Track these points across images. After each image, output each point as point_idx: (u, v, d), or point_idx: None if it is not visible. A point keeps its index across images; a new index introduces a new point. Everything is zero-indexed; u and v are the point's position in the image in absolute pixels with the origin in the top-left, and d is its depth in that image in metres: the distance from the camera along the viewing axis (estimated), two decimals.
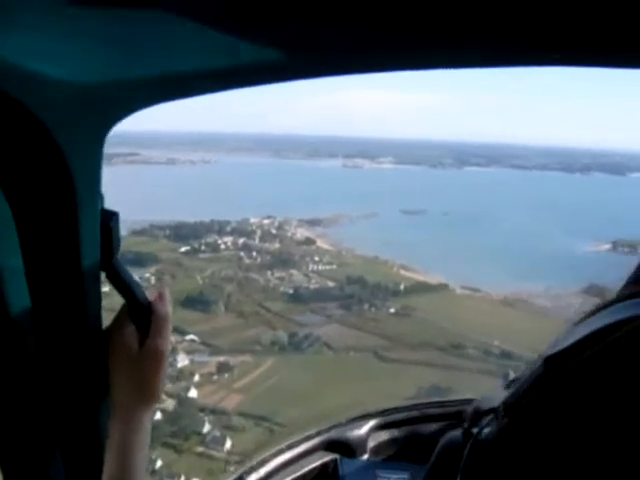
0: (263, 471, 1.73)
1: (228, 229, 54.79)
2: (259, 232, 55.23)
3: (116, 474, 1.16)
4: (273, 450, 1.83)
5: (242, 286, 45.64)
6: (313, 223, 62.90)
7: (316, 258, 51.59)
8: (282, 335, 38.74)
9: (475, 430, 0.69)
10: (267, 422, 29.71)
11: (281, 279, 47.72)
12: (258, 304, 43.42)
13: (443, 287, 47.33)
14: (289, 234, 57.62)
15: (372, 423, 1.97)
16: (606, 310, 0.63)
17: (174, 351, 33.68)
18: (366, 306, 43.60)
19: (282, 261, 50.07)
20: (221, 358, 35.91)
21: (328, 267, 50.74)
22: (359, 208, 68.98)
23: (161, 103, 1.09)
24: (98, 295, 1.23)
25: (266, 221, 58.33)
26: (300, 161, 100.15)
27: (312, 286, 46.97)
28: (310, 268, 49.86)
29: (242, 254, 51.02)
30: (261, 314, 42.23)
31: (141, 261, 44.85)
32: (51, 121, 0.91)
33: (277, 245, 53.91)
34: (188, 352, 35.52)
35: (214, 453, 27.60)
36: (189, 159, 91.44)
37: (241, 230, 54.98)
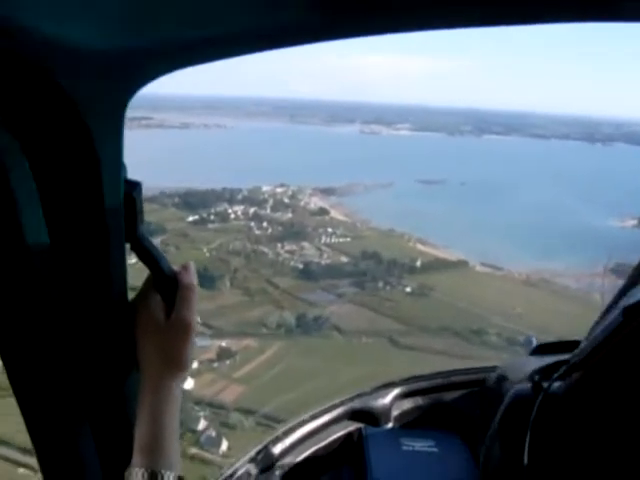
0: (288, 441, 1.72)
1: (239, 197, 51.65)
2: (271, 201, 52.09)
3: (148, 443, 1.12)
4: (298, 420, 1.80)
5: (250, 260, 42.27)
6: (327, 192, 59.45)
7: (329, 230, 48.19)
8: (289, 317, 35.18)
9: (545, 384, 0.68)
10: (268, 420, 26.05)
11: (292, 252, 44.21)
12: (266, 280, 40.08)
13: (462, 264, 43.70)
14: (302, 203, 54.32)
15: (396, 392, 1.91)
16: None
17: None
18: (381, 284, 40.03)
19: (294, 233, 46.59)
20: (223, 342, 32.41)
21: (342, 240, 47.27)
22: (375, 176, 65.47)
23: (182, 69, 1.06)
24: (124, 267, 1.19)
25: (279, 189, 55.18)
26: (317, 127, 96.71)
27: (324, 261, 43.52)
28: (323, 241, 46.45)
29: (252, 224, 48.02)
30: (268, 292, 38.79)
31: (146, 231, 41.72)
32: (72, 88, 0.88)
33: (289, 215, 50.61)
34: None
35: (208, 455, 24.03)
36: (203, 123, 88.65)
37: (252, 199, 51.82)
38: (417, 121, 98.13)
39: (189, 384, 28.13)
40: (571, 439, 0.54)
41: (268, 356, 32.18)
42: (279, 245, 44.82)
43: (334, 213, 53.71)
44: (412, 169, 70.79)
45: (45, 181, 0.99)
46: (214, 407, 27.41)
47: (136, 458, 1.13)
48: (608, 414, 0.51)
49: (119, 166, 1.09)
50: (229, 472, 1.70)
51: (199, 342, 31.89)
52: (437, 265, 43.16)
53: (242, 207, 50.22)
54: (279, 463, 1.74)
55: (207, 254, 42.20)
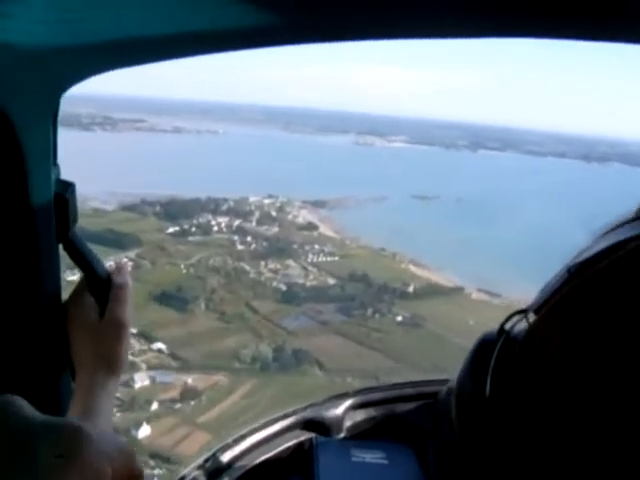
0: (238, 449, 1.65)
1: (224, 208, 47.43)
2: (257, 213, 47.90)
3: None
4: (248, 428, 1.73)
5: (230, 279, 38.01)
6: (317, 205, 55.51)
7: (316, 247, 44.03)
8: (266, 349, 30.72)
9: (507, 327, 0.74)
10: None
11: (275, 272, 39.93)
12: (245, 303, 35.79)
13: (457, 291, 39.52)
14: (290, 217, 50.20)
15: (348, 402, 1.85)
16: (623, 227, 0.69)
17: (133, 367, 26.26)
18: (369, 311, 35.64)
19: (279, 249, 42.34)
20: (189, 378, 27.82)
21: (329, 259, 43.07)
22: (368, 190, 61.26)
23: (114, 70, 1.03)
24: (56, 267, 1.16)
25: (267, 201, 51.15)
26: (310, 136, 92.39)
27: (309, 282, 39.29)
28: (309, 259, 42.30)
29: (235, 238, 43.71)
30: (246, 317, 34.37)
31: (121, 242, 37.79)
32: None
33: (276, 229, 46.40)
34: (151, 367, 28.11)
35: None
36: (195, 128, 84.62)
37: (238, 210, 47.63)
38: (412, 133, 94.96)
39: (144, 431, 23.64)
40: (525, 377, 0.63)
41: (239, 396, 27.72)
42: (262, 263, 40.68)
43: (323, 228, 49.56)
44: (406, 183, 66.84)
45: None
46: (172, 463, 22.65)
47: None
48: (554, 356, 0.60)
49: (49, 166, 1.04)
50: (177, 478, 1.56)
51: (161, 378, 27.57)
52: (431, 291, 38.96)
53: (226, 219, 46.15)
54: (228, 471, 1.62)
55: (184, 270, 38.16)
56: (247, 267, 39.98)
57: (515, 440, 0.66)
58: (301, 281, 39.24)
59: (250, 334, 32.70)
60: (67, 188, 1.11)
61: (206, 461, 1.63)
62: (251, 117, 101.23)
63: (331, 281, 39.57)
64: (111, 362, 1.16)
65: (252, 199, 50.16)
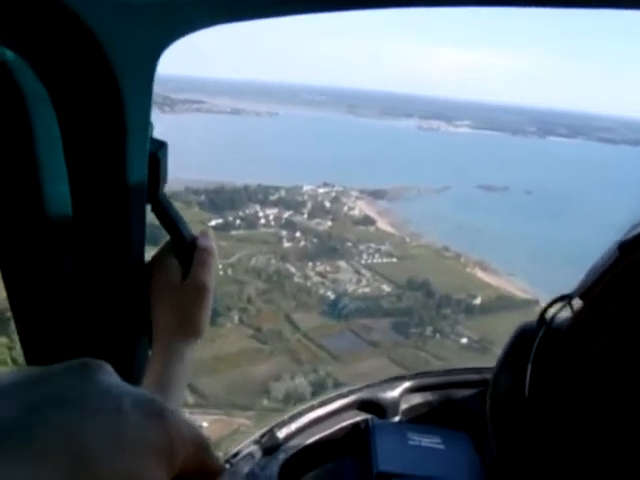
0: (294, 426, 1.59)
1: (274, 198, 41.45)
2: (309, 205, 41.72)
3: None
4: (305, 406, 1.66)
5: (271, 284, 31.60)
6: (376, 195, 48.86)
7: (372, 245, 37.51)
8: (302, 385, 23.93)
9: (548, 316, 0.69)
10: None
11: (323, 275, 33.55)
12: (285, 316, 29.21)
13: (532, 305, 32.13)
14: (345, 209, 43.71)
15: (405, 385, 1.77)
16: None
17: None
18: (429, 330, 28.84)
19: (330, 249, 35.98)
20: (206, 421, 21.47)
21: (386, 260, 36.57)
22: (430, 178, 54.07)
23: (222, 24, 0.96)
24: (142, 227, 1.09)
25: (321, 190, 44.85)
26: (374, 119, 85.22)
27: (361, 289, 32.83)
28: (363, 261, 35.69)
29: (283, 234, 37.81)
30: (284, 336, 27.84)
31: (155, 237, 31.44)
32: (103, 34, 0.82)
33: (328, 224, 39.97)
34: None
35: None
36: (255, 110, 78.18)
37: (289, 201, 41.65)
38: (478, 118, 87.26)
39: None
40: (571, 370, 0.57)
41: None
42: (310, 264, 34.42)
43: (381, 223, 42.89)
44: (471, 172, 59.39)
45: (69, 132, 0.90)
46: None
47: None
48: (607, 346, 0.54)
49: (147, 122, 0.97)
50: (232, 452, 1.50)
51: None
52: (500, 304, 32.02)
53: (275, 210, 40.30)
54: (283, 447, 1.57)
55: (221, 272, 31.67)
56: (292, 269, 33.82)
57: (558, 444, 0.59)
58: (352, 288, 32.82)
59: (287, 358, 26.39)
60: (160, 147, 1.03)
61: (262, 436, 1.57)
62: (315, 99, 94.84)
63: (386, 288, 33.01)
64: (191, 327, 1.10)
65: (306, 188, 44.23)
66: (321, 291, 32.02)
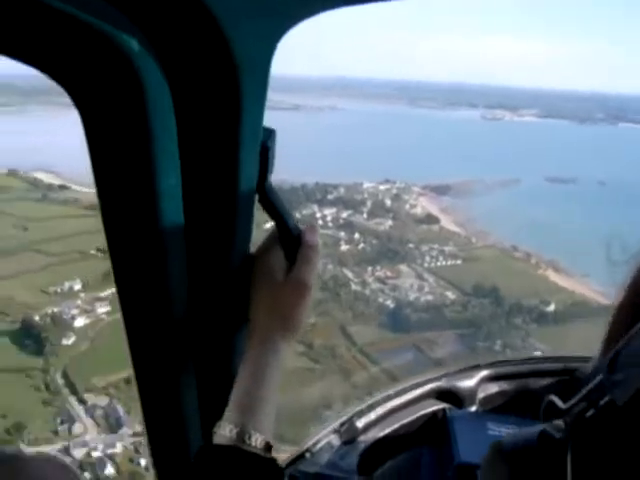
0: (372, 415, 1.62)
1: (332, 197, 38.81)
2: (369, 203, 38.70)
3: (244, 401, 1.02)
4: (383, 395, 1.69)
5: (327, 292, 28.63)
6: (440, 191, 45.56)
7: (436, 247, 34.26)
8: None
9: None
10: None
11: (383, 281, 30.56)
12: (340, 329, 26.26)
13: (610, 311, 28.22)
14: (407, 207, 40.54)
15: (482, 374, 1.78)
16: None
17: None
18: (498, 344, 25.51)
19: (390, 251, 33.04)
20: None
21: (450, 263, 33.46)
22: (497, 171, 50.22)
23: (339, 7, 0.92)
24: (250, 217, 1.08)
25: (382, 187, 42.09)
26: (437, 111, 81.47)
27: (423, 297, 29.77)
28: (426, 264, 32.54)
29: (341, 235, 34.80)
30: (338, 352, 24.87)
31: None
32: (226, 21, 0.80)
33: (389, 223, 36.83)
34: None
35: None
36: (316, 105, 75.43)
37: (348, 200, 38.95)
38: (544, 106, 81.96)
39: None
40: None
41: None
42: (369, 269, 31.38)
43: (445, 221, 39.59)
44: (539, 163, 55.24)
45: (186, 122, 0.88)
46: None
47: (229, 413, 1.00)
48: None
49: (261, 110, 0.94)
50: (312, 442, 1.54)
51: None
52: (576, 311, 28.36)
53: (333, 210, 37.57)
54: (362, 437, 1.59)
55: None
56: (350, 274, 30.93)
57: None
58: (413, 295, 29.76)
59: (339, 378, 23.42)
60: (270, 135, 0.99)
61: (341, 425, 1.57)
62: (377, 92, 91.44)
63: (451, 295, 29.87)
64: (289, 324, 1.08)
65: (366, 185, 41.44)
66: (380, 299, 29.13)
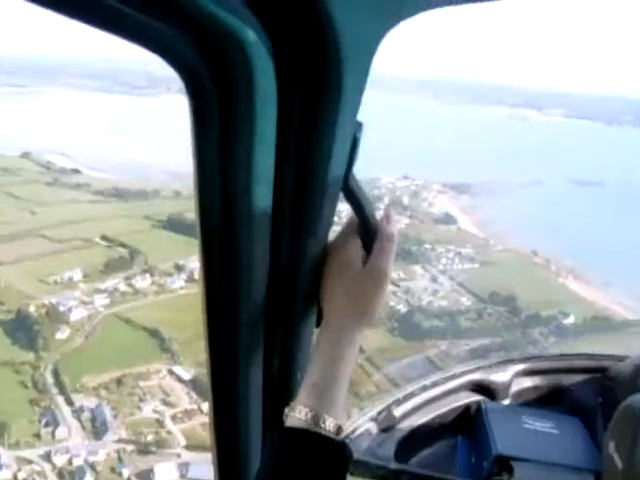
0: (409, 405, 1.62)
1: None
2: (386, 200, 36.36)
3: (318, 384, 1.02)
4: (419, 385, 1.68)
5: None
6: (459, 189, 43.69)
7: (452, 248, 32.37)
8: None
9: None
10: None
11: (396, 284, 28.61)
12: None
13: (633, 325, 26.76)
14: (425, 204, 38.55)
15: (516, 368, 1.76)
16: None
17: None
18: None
19: (404, 251, 31.01)
20: None
21: (467, 266, 31.67)
22: (520, 171, 48.25)
23: (443, 7, 0.91)
24: (334, 206, 1.06)
25: (401, 183, 40.59)
26: (461, 107, 79.10)
27: (437, 302, 27.86)
28: (441, 266, 30.84)
29: None
30: None
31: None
32: (335, 17, 0.80)
33: (406, 221, 34.90)
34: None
35: None
36: None
37: None
38: (571, 107, 79.62)
39: None
40: None
41: None
42: None
43: (462, 221, 37.69)
44: (563, 164, 53.04)
45: (287, 106, 0.87)
46: None
47: (302, 396, 1.01)
48: None
49: (358, 104, 0.93)
50: (350, 429, 1.52)
51: None
52: (597, 325, 26.39)
53: (348, 207, 34.88)
54: (399, 426, 1.60)
55: None
56: None
57: None
58: (427, 299, 27.97)
59: None
60: (359, 128, 0.98)
61: (379, 414, 1.59)
62: (401, 86, 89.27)
63: (466, 302, 28.20)
64: (364, 311, 1.05)
65: (384, 180, 39.66)
66: (392, 302, 27.30)
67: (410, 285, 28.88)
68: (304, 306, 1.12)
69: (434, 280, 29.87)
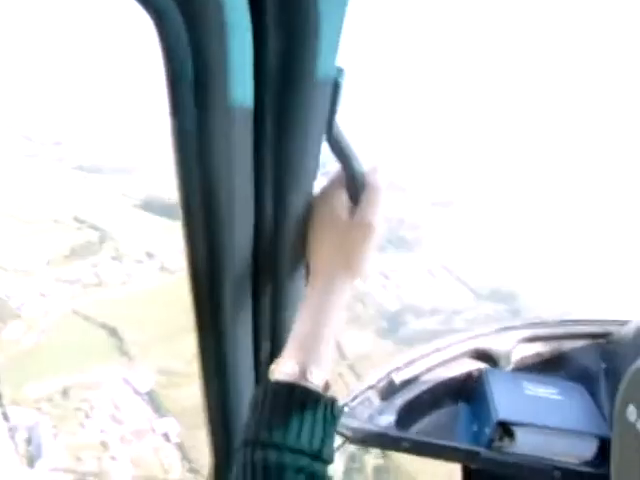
0: (410, 372, 1.61)
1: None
2: None
3: (305, 338, 1.00)
4: (419, 352, 1.67)
5: None
6: None
7: (451, 233, 29.47)
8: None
9: None
10: None
11: (386, 276, 25.64)
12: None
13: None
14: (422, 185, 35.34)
15: (518, 335, 1.75)
16: None
17: None
18: None
19: (398, 238, 27.78)
20: None
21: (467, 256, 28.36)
22: None
23: None
24: (318, 156, 1.02)
25: None
26: None
27: (430, 299, 24.73)
28: (438, 256, 27.93)
29: None
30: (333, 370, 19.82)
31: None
32: None
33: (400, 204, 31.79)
34: None
35: None
36: None
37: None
38: None
39: None
40: None
41: None
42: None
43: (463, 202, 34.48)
44: None
45: (261, 36, 0.82)
46: None
47: (288, 351, 0.99)
48: None
49: (337, 41, 0.88)
50: (350, 398, 1.52)
51: None
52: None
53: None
54: (399, 393, 1.59)
55: None
56: None
57: None
58: (419, 295, 24.80)
59: None
60: (340, 72, 0.94)
61: (378, 381, 1.59)
62: None
63: (463, 300, 24.86)
64: (352, 264, 1.04)
65: None
66: (380, 299, 24.19)
67: (402, 278, 25.80)
68: (291, 264, 1.08)
69: (430, 273, 26.78)
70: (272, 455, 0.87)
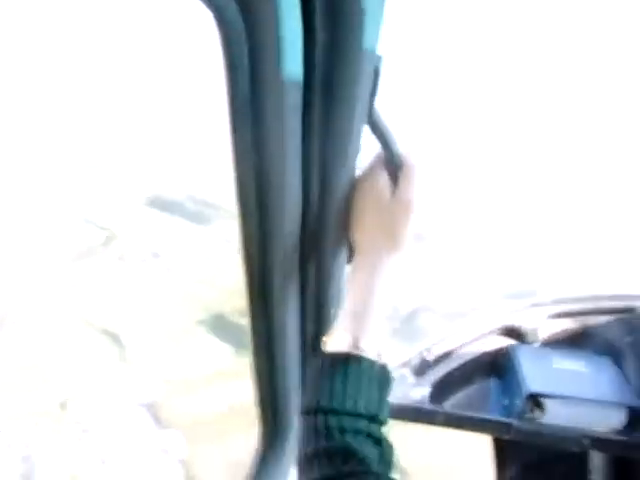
0: (441, 349, 1.62)
1: None
2: None
3: (356, 311, 1.02)
4: (449, 330, 1.68)
5: None
6: None
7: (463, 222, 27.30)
8: None
9: None
10: None
11: None
12: None
13: None
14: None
15: (546, 312, 1.73)
16: None
17: None
18: None
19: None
20: None
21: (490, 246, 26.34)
22: None
23: None
24: (360, 138, 1.02)
25: None
26: None
27: (448, 297, 22.92)
28: (455, 246, 25.79)
29: None
30: None
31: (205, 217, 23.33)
32: None
33: None
34: None
35: None
36: None
37: None
38: None
39: None
40: None
41: None
42: None
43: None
44: None
45: (309, 10, 0.81)
46: None
47: (341, 324, 1.01)
48: None
49: (379, 26, 0.88)
50: None
51: None
52: None
53: None
54: (431, 370, 1.60)
55: None
56: None
57: None
58: (435, 293, 23.24)
59: None
60: (379, 59, 0.94)
61: (412, 359, 1.60)
62: None
63: (481, 298, 23.27)
64: (395, 240, 1.04)
65: None
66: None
67: (416, 274, 24.35)
68: (335, 246, 1.10)
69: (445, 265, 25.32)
70: (333, 420, 0.91)
